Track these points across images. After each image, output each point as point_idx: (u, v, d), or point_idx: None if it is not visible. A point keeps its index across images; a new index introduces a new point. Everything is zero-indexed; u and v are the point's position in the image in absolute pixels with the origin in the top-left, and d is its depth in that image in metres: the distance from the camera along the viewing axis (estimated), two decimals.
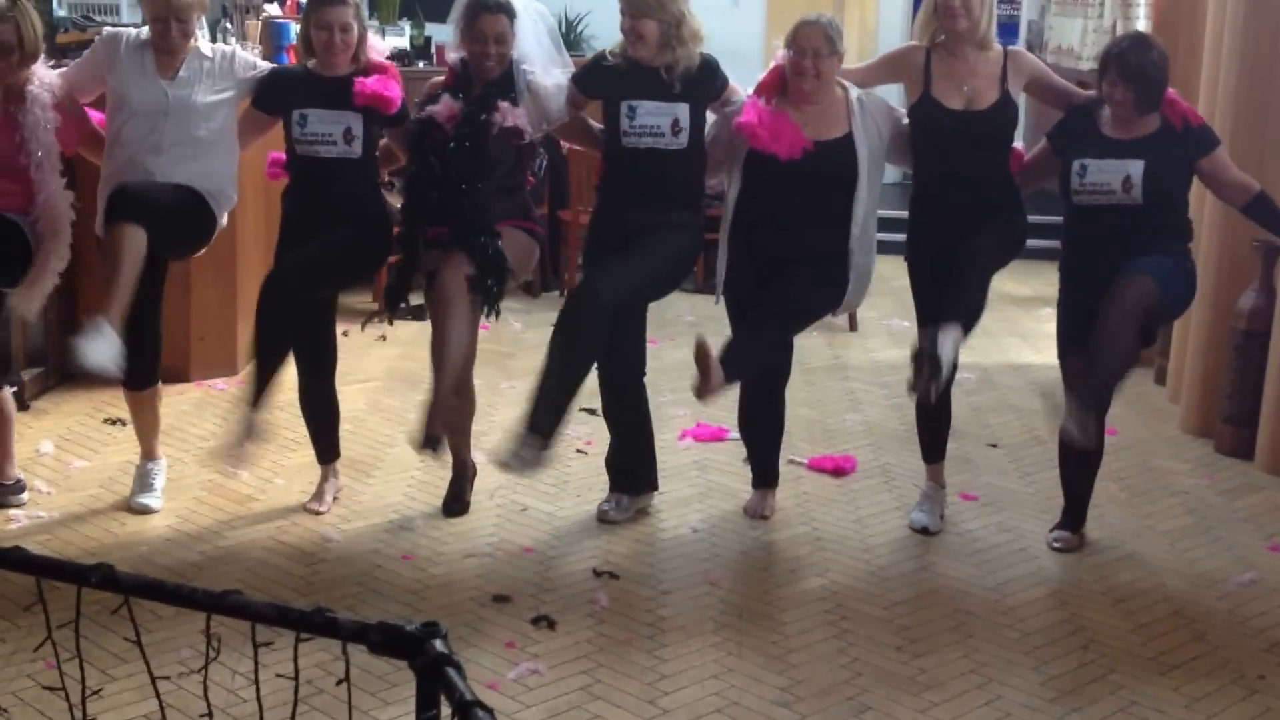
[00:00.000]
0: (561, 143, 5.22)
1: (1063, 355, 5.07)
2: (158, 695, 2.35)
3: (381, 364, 7.37)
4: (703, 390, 4.74)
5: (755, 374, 5.15)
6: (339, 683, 2.06)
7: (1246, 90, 6.20)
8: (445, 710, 1.76)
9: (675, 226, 5.04)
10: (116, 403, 6.34)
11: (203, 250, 5.29)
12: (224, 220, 5.20)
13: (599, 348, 4.95)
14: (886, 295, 8.46)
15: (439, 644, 1.82)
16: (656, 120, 4.94)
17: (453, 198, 4.87)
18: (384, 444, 6.12)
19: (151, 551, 4.93)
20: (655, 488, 5.45)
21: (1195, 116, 4.98)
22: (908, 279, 5.22)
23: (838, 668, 4.23)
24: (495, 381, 6.94)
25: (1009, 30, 11.91)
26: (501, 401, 6.67)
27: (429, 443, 4.87)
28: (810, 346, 7.55)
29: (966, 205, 4.96)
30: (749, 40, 11.66)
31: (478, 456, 5.52)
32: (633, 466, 5.39)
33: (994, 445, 6.32)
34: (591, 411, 6.44)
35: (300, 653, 2.04)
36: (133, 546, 4.97)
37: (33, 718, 3.77)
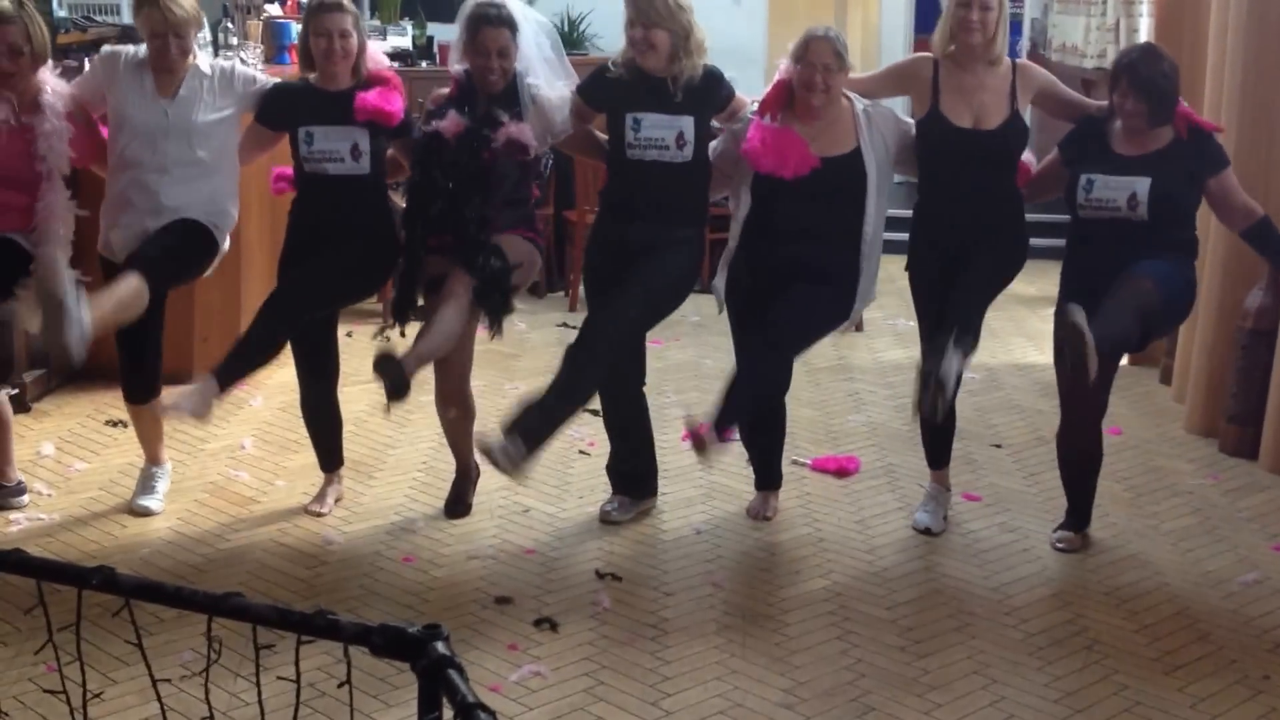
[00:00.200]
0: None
1: (1058, 363, 5.05)
2: (159, 698, 2.34)
3: None
4: (704, 459, 4.98)
5: (754, 409, 5.10)
6: (341, 685, 2.05)
7: (1250, 89, 6.18)
8: (447, 713, 1.75)
9: (678, 243, 5.03)
10: (118, 405, 6.32)
11: (208, 273, 5.27)
12: (226, 245, 5.19)
13: (603, 378, 4.99)
14: (892, 295, 8.44)
15: (441, 646, 1.81)
16: (661, 133, 4.92)
17: (457, 213, 4.86)
18: (386, 446, 6.11)
19: (152, 554, 4.92)
20: (655, 494, 5.43)
21: (1208, 128, 4.92)
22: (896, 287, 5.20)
23: (841, 669, 4.22)
24: (499, 383, 6.94)
25: (1013, 28, 11.89)
26: (505, 403, 6.64)
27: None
28: (815, 347, 7.51)
29: (970, 221, 4.94)
30: (751, 40, 11.67)
31: (480, 458, 5.50)
32: (633, 473, 5.38)
33: (998, 446, 6.31)
34: (595, 413, 6.44)
35: (302, 655, 2.03)
36: (134, 549, 4.96)
37: None
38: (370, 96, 4.93)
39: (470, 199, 4.84)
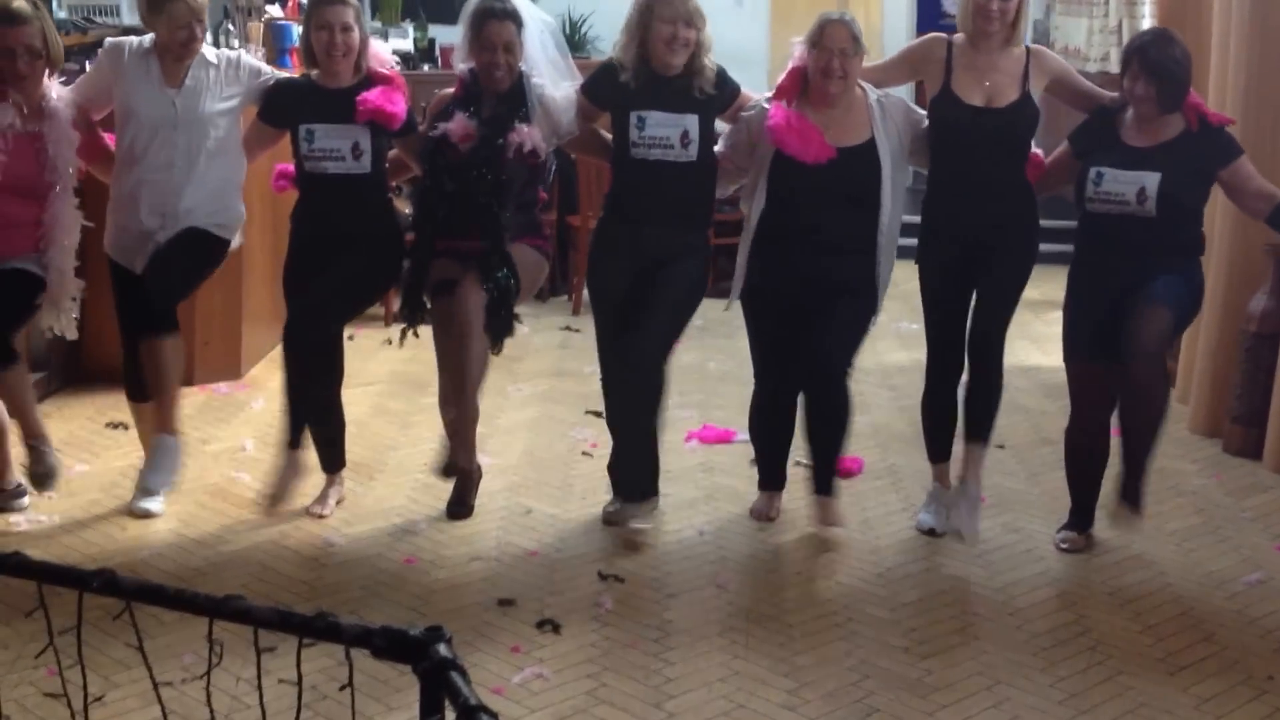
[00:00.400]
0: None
1: (1069, 359, 5.05)
2: (160, 701, 2.33)
3: (385, 367, 7.36)
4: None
5: (842, 441, 5.20)
6: (342, 688, 2.05)
7: (1254, 88, 6.17)
8: (450, 715, 1.74)
9: (691, 252, 5.06)
10: (119, 407, 6.32)
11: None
12: (239, 240, 5.19)
13: (658, 401, 5.13)
14: (896, 299, 8.38)
15: (443, 648, 1.81)
16: (666, 131, 4.91)
17: (466, 218, 4.86)
18: (388, 447, 6.10)
19: (153, 556, 4.91)
20: (656, 494, 5.40)
21: (1217, 120, 4.90)
22: (917, 283, 5.17)
23: (845, 670, 4.20)
24: (502, 385, 6.92)
25: None
26: (508, 405, 6.66)
27: (450, 470, 5.20)
28: None
29: (981, 210, 4.93)
30: (753, 41, 11.66)
31: (483, 459, 5.49)
32: (636, 476, 5.36)
33: (1001, 446, 6.28)
34: (597, 414, 6.43)
35: (303, 658, 2.02)
36: (134, 551, 4.95)
37: None
38: (372, 96, 4.92)
39: (481, 205, 4.84)
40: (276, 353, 7.40)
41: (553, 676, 4.10)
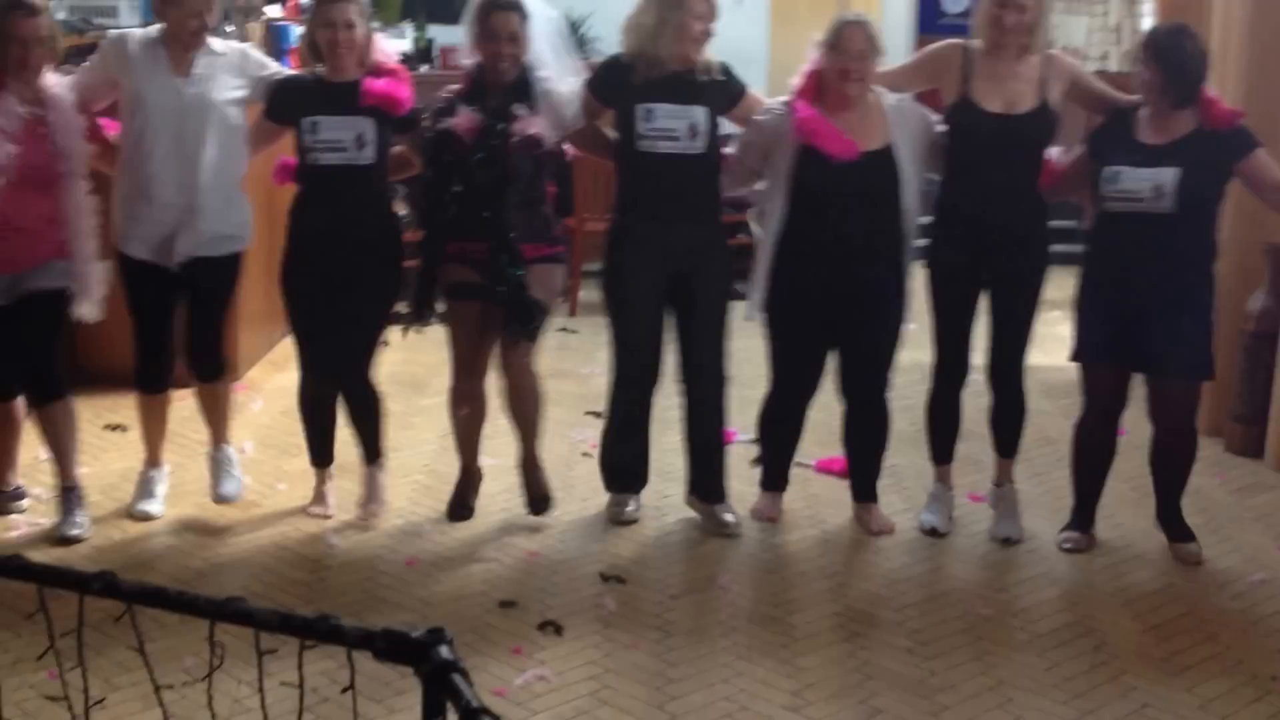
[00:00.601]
0: (567, 149, 5.16)
1: (1082, 358, 5.03)
2: (161, 705, 2.32)
3: (383, 368, 7.29)
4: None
5: (882, 455, 5.36)
6: (344, 690, 2.04)
7: (1254, 90, 6.15)
8: (452, 717, 1.73)
9: (719, 254, 5.16)
10: (117, 409, 6.33)
11: None
12: (250, 235, 5.19)
13: (723, 418, 5.34)
14: None
15: (445, 650, 1.80)
16: (673, 123, 4.90)
17: (473, 213, 4.86)
18: (388, 449, 6.07)
19: (153, 558, 4.90)
20: (644, 484, 5.44)
21: (1231, 117, 4.83)
22: (920, 283, 5.15)
23: (848, 670, 4.19)
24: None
25: None
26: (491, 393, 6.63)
27: (540, 504, 5.33)
28: None
29: (996, 217, 4.92)
30: (753, 41, 11.65)
31: (483, 460, 5.47)
32: (632, 468, 5.38)
33: None
34: (596, 415, 6.42)
35: (305, 660, 2.01)
36: (134, 553, 4.94)
37: None
38: (378, 83, 4.93)
39: (487, 198, 4.85)
40: (274, 353, 7.43)
41: (555, 678, 4.09)
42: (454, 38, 10.51)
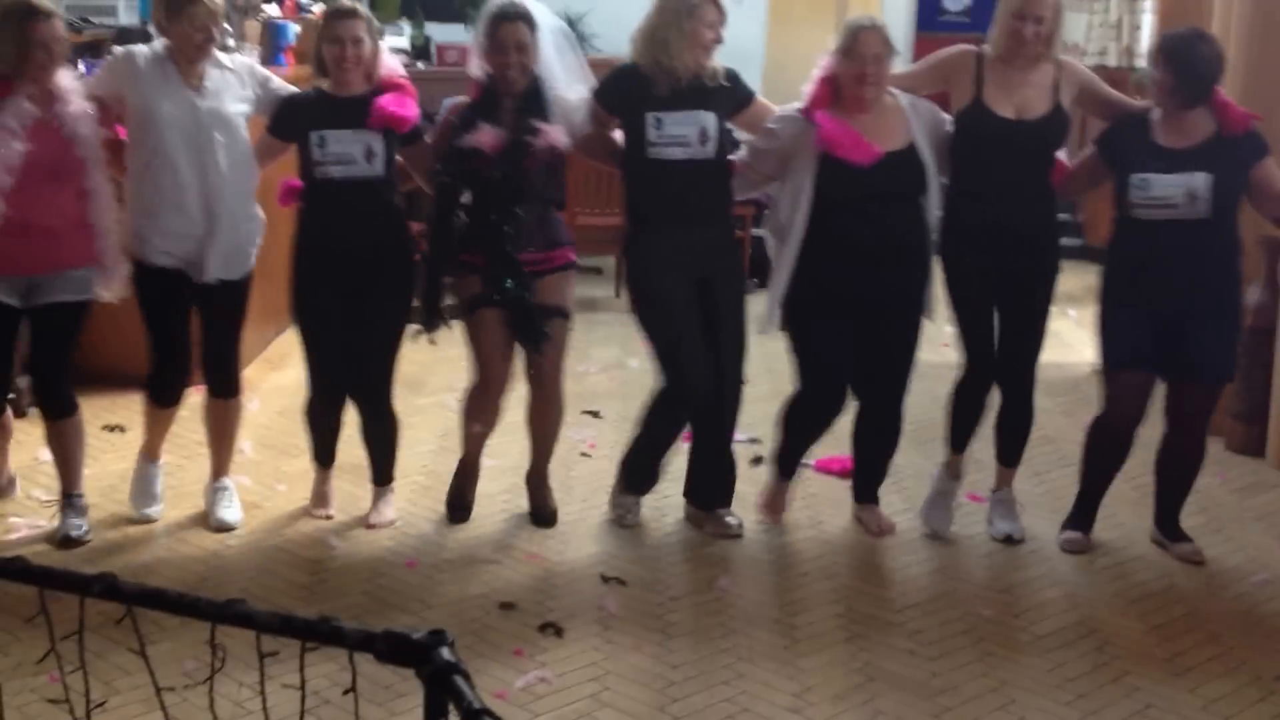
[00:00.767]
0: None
1: (1108, 365, 4.96)
2: (163, 707, 2.31)
3: None
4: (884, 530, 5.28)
5: (891, 457, 5.35)
6: (346, 692, 2.03)
7: (1254, 90, 6.14)
8: (453, 719, 1.72)
9: (735, 260, 5.25)
10: (114, 410, 6.32)
11: None
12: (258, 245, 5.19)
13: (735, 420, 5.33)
14: None
15: (446, 652, 1.80)
16: (684, 130, 4.89)
17: (489, 226, 4.87)
18: None
19: (153, 560, 4.89)
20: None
21: (1246, 121, 4.81)
22: (940, 283, 5.13)
23: (850, 672, 4.18)
24: None
25: None
26: (504, 404, 6.61)
27: (547, 520, 5.31)
28: None
29: (1006, 220, 4.89)
30: (750, 40, 11.64)
31: (483, 461, 5.46)
32: (653, 471, 5.36)
33: None
34: (594, 414, 6.41)
35: (306, 662, 2.00)
36: (134, 555, 4.93)
37: None
38: (386, 101, 4.91)
39: (504, 212, 4.86)
40: (269, 352, 7.42)
41: (556, 680, 4.08)
42: (451, 35, 10.57)
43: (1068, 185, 5.08)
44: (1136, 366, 4.89)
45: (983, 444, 5.72)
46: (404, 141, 5.03)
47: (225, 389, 5.22)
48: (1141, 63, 9.49)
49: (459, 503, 5.32)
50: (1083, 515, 5.19)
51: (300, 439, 5.61)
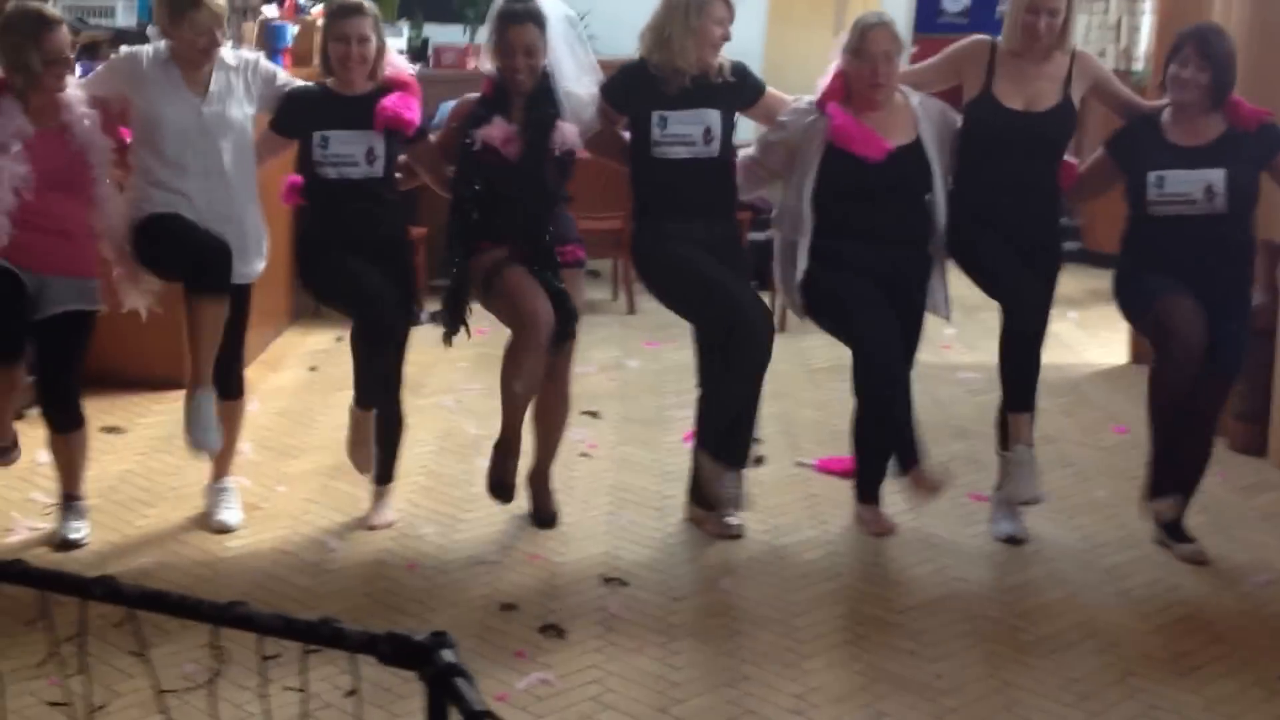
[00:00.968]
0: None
1: (1158, 297, 4.75)
2: (164, 710, 2.29)
3: None
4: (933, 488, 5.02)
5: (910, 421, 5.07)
6: (347, 695, 2.01)
7: (1253, 87, 6.11)
8: None
9: (741, 247, 5.20)
10: (113, 411, 6.31)
11: None
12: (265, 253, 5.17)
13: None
14: None
15: (448, 654, 1.80)
16: (688, 129, 4.88)
17: (505, 219, 4.85)
18: None
19: (153, 563, 4.87)
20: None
21: (1259, 117, 4.83)
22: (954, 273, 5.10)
23: (853, 674, 4.17)
24: (496, 385, 6.85)
25: None
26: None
27: (549, 522, 5.26)
28: (814, 348, 7.48)
29: (1011, 213, 4.88)
30: (749, 38, 11.62)
31: (482, 462, 5.43)
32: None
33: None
34: (593, 415, 6.40)
35: (308, 665, 1.99)
36: (134, 557, 4.91)
37: None
38: (390, 103, 4.90)
39: (526, 210, 4.86)
40: (267, 355, 7.40)
41: (557, 681, 4.07)
42: (449, 37, 10.55)
43: (1078, 189, 5.07)
44: (1180, 292, 4.72)
45: (985, 444, 5.73)
46: (408, 140, 5.02)
47: (229, 390, 5.20)
48: (1140, 65, 9.51)
49: (501, 483, 5.08)
50: (1164, 479, 4.99)
51: (302, 440, 5.61)
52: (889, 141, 4.81)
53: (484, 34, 5.05)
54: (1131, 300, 4.94)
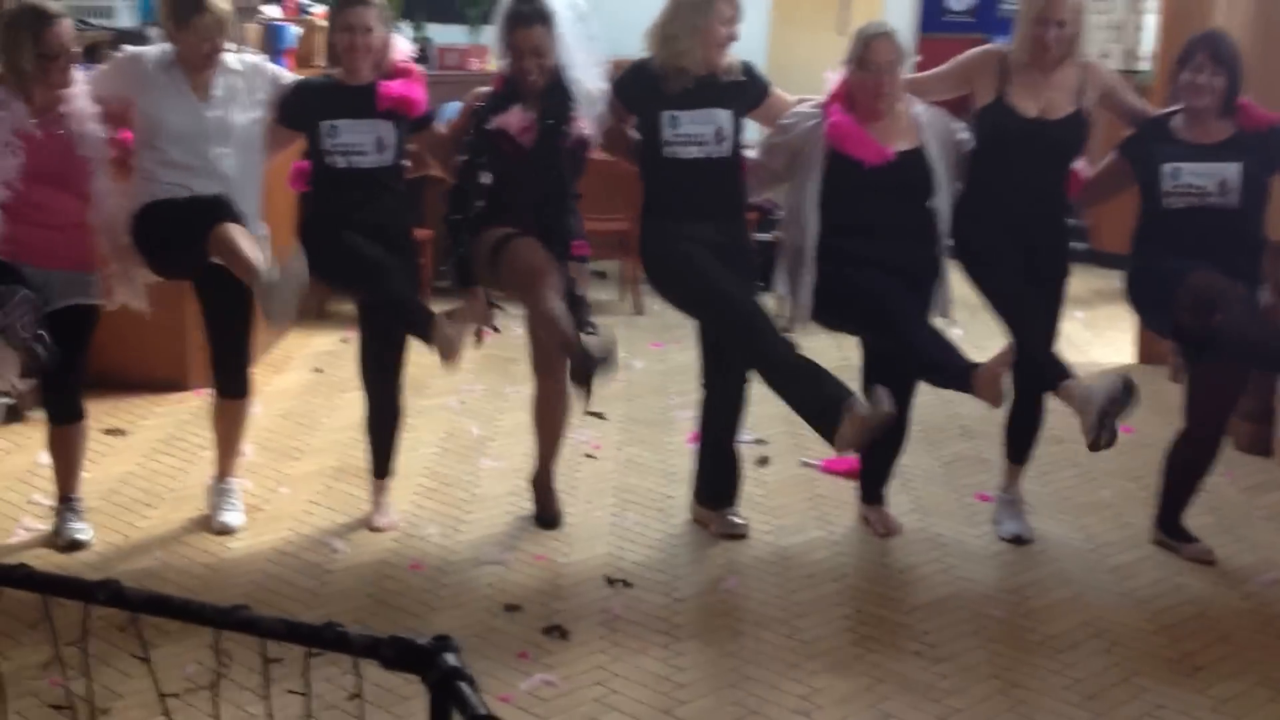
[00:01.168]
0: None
1: (1185, 273, 4.63)
2: (166, 713, 2.28)
3: None
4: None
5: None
6: (350, 698, 2.00)
7: (1254, 88, 6.10)
8: None
9: (750, 248, 5.16)
10: (115, 413, 6.30)
11: None
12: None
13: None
14: None
15: (451, 658, 1.80)
16: (699, 129, 4.86)
17: (519, 213, 4.84)
18: None
19: (154, 564, 4.86)
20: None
21: (1270, 118, 4.82)
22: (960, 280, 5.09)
23: (857, 674, 4.16)
24: (499, 387, 6.88)
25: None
26: (507, 406, 6.61)
27: (553, 522, 5.26)
28: (819, 348, 7.43)
29: (1020, 219, 4.87)
30: (753, 39, 11.62)
31: (485, 463, 5.44)
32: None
33: None
34: (598, 415, 6.38)
35: (310, 668, 1.98)
36: (136, 560, 4.90)
37: None
38: (394, 85, 4.90)
39: (542, 200, 4.86)
40: (269, 356, 7.39)
41: (561, 683, 4.05)
42: (452, 37, 10.55)
43: (1087, 193, 5.07)
44: (1206, 267, 4.62)
45: (990, 443, 5.73)
46: (415, 128, 5.02)
47: (235, 390, 5.19)
48: (1144, 65, 9.50)
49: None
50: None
51: (302, 441, 5.60)
52: (891, 148, 4.80)
53: (491, 33, 5.04)
54: (1155, 289, 4.83)
